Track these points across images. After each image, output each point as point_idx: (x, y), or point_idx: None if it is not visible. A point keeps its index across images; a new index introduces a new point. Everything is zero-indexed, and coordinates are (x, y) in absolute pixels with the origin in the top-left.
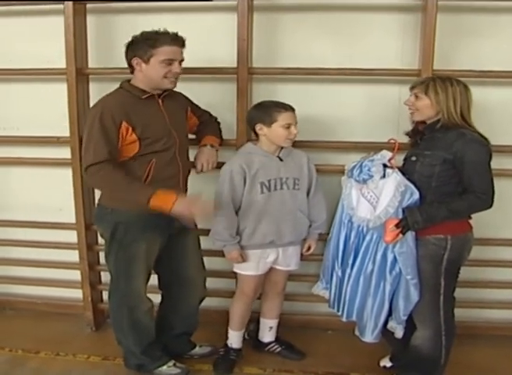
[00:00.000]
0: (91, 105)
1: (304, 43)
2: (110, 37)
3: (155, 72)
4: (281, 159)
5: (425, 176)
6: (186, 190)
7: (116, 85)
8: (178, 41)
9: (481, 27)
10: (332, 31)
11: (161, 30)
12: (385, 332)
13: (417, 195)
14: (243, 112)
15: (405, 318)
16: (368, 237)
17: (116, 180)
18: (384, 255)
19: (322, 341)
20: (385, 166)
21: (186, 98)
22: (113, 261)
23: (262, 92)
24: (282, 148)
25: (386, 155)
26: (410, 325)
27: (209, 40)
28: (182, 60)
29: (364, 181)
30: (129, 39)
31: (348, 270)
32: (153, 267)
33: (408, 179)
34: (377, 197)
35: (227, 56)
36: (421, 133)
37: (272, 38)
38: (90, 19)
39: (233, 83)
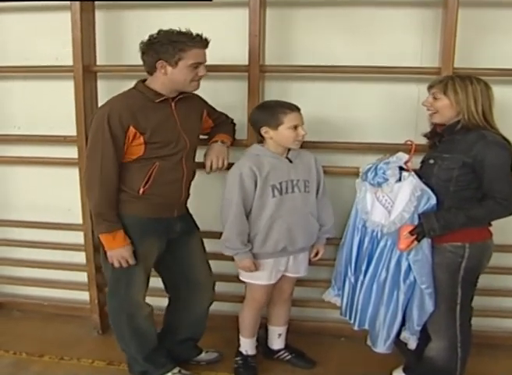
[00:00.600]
0: (99, 103)
1: (318, 40)
2: (119, 34)
3: (183, 76)
4: (290, 161)
5: (443, 180)
6: (188, 195)
7: (126, 83)
8: (205, 43)
9: (504, 23)
10: (347, 27)
11: (185, 30)
12: (398, 342)
13: (434, 200)
14: None
15: (419, 328)
16: (382, 243)
17: (104, 195)
18: (398, 263)
19: (334, 349)
20: (401, 168)
21: (203, 100)
22: (110, 268)
23: (274, 91)
24: (289, 149)
25: (402, 157)
26: (424, 335)
27: (220, 36)
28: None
29: (379, 185)
30: (146, 38)
31: (361, 277)
32: (157, 270)
33: (425, 183)
34: (392, 201)
35: (238, 53)
36: (439, 135)
37: (285, 35)
38: (99, 15)
39: (244, 82)
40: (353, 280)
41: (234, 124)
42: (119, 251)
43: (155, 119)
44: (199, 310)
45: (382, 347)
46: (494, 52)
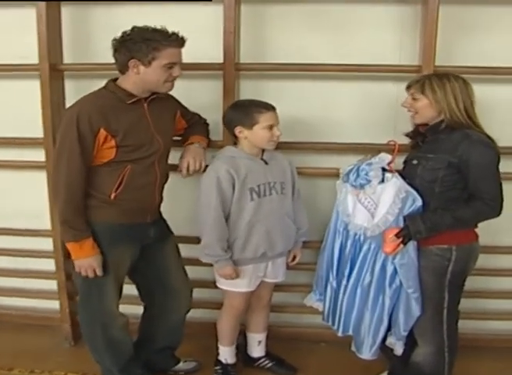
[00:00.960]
0: (67, 104)
1: (294, 37)
2: (86, 31)
3: (156, 76)
4: (266, 162)
5: (428, 181)
6: (162, 199)
7: (94, 82)
8: (181, 42)
9: (484, 21)
10: (324, 24)
11: (160, 27)
12: (384, 347)
13: (419, 202)
14: None
15: (405, 334)
16: (365, 247)
17: (69, 200)
18: (383, 267)
19: (315, 355)
20: (384, 169)
21: (176, 100)
22: (81, 278)
23: (249, 90)
24: (263, 150)
25: (385, 158)
26: (410, 340)
27: (192, 33)
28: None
29: (362, 186)
30: (116, 35)
31: (344, 282)
32: (131, 278)
33: (409, 183)
34: (375, 203)
35: (211, 51)
36: (422, 135)
37: (259, 33)
38: (65, 12)
39: (218, 81)
40: (335, 284)
41: (207, 124)
42: (86, 261)
43: (127, 121)
44: (175, 317)
45: (367, 353)
46: (474, 50)
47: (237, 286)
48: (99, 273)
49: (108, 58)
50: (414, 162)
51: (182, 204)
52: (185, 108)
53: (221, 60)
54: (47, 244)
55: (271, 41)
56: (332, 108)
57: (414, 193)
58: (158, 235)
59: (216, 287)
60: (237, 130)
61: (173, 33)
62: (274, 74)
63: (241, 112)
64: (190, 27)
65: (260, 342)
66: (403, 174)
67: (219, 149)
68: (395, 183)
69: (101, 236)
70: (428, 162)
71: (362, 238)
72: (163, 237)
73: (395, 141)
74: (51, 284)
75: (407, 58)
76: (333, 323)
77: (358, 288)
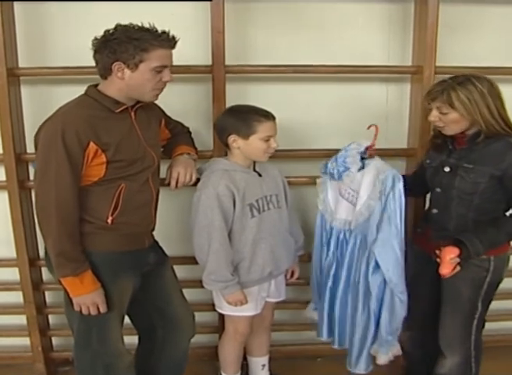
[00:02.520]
0: (25, 113)
1: (280, 38)
2: (41, 31)
3: (143, 81)
4: (259, 175)
5: (467, 193)
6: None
7: (52, 89)
8: (173, 43)
9: (479, 20)
10: (309, 23)
11: (147, 25)
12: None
13: (401, 183)
14: None
15: (390, 338)
16: (351, 242)
17: (63, 228)
18: (367, 261)
19: (313, 372)
20: (363, 158)
21: (160, 108)
22: (78, 315)
23: (235, 94)
24: (254, 161)
25: (363, 142)
26: (431, 351)
27: (176, 34)
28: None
29: (340, 176)
30: (101, 34)
31: (329, 283)
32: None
33: (440, 193)
34: (356, 193)
35: (197, 53)
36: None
37: (241, 33)
38: (17, 10)
39: (205, 85)
40: (327, 290)
41: (190, 133)
42: (89, 297)
43: (118, 133)
44: (180, 348)
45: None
46: (468, 50)
47: (243, 310)
48: (103, 309)
49: (69, 61)
50: (447, 169)
51: (169, 221)
52: (168, 116)
53: (206, 62)
54: (12, 274)
55: (253, 42)
56: (319, 112)
57: (395, 172)
58: (157, 260)
59: (211, 310)
60: (231, 138)
61: (164, 33)
62: (258, 77)
63: (238, 118)
64: (171, 26)
65: (264, 366)
66: (430, 181)
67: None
68: (374, 165)
69: (100, 267)
70: (469, 174)
71: (348, 235)
72: (162, 261)
73: (376, 125)
74: (20, 319)
75: (396, 58)
76: (329, 335)
77: (349, 293)
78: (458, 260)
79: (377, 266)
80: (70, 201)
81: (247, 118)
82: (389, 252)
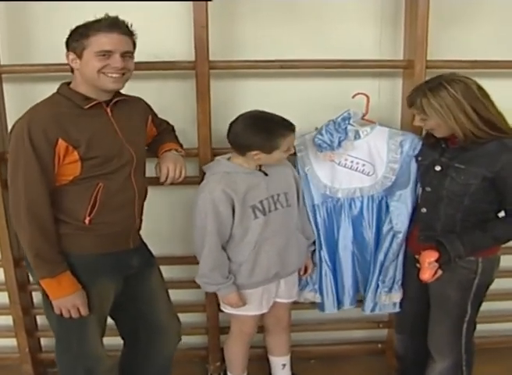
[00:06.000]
0: (8, 113)
1: (266, 31)
2: (24, 27)
3: (91, 68)
4: (265, 174)
5: (457, 194)
6: (141, 220)
7: (36, 86)
8: (116, 26)
9: (473, 11)
10: (298, 17)
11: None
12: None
13: (419, 142)
14: (205, 115)
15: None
16: (357, 204)
17: (36, 228)
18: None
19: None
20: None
21: (147, 104)
22: (57, 318)
23: (221, 91)
24: None
25: (358, 111)
26: (423, 355)
27: (156, 28)
28: (127, 52)
29: (339, 144)
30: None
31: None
32: (109, 314)
33: (430, 193)
34: (361, 160)
35: (181, 48)
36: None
37: (228, 26)
38: None
39: (189, 81)
40: (328, 261)
41: (175, 131)
42: (68, 300)
43: (89, 129)
44: (165, 355)
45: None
46: (460, 43)
47: (246, 309)
48: (84, 312)
49: (52, 58)
50: (437, 168)
51: (159, 219)
52: (155, 113)
53: (190, 57)
54: None
55: (240, 36)
56: (310, 109)
57: (412, 135)
58: (143, 262)
59: (201, 311)
60: (253, 153)
61: (109, 18)
62: (244, 72)
63: (263, 135)
64: (152, 21)
65: (284, 365)
66: (420, 179)
67: (194, 159)
68: (382, 130)
69: (79, 269)
70: (460, 175)
71: (360, 201)
72: (148, 263)
73: (365, 93)
74: (6, 320)
75: (388, 52)
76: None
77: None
78: (437, 265)
79: (390, 221)
80: (40, 199)
81: (271, 134)
82: (403, 208)
